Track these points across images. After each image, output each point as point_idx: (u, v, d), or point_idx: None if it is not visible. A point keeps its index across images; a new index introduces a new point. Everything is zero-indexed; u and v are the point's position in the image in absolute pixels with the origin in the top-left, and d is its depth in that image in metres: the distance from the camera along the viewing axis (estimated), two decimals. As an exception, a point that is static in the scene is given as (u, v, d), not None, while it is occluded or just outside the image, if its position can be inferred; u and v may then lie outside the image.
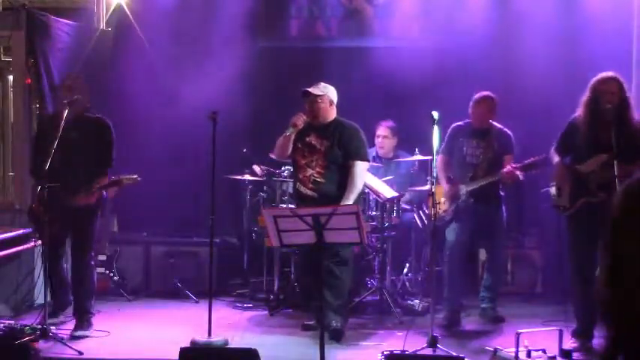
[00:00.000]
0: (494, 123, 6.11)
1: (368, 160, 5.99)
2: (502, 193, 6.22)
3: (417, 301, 6.67)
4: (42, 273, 5.75)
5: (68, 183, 5.63)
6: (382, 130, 7.23)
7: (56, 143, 5.39)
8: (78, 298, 5.91)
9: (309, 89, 5.82)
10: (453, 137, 6.21)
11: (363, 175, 5.90)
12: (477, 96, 6.16)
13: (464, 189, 6.05)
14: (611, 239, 1.39)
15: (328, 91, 5.86)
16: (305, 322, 6.01)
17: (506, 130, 6.14)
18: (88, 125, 5.79)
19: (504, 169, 5.86)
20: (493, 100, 6.17)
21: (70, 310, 6.03)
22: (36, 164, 5.72)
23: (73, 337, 5.61)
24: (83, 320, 5.82)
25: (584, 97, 5.31)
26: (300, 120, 5.75)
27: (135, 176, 5.77)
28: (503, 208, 6.26)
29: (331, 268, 5.64)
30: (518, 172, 5.82)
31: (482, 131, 6.12)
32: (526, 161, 5.80)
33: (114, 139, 5.85)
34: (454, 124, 6.22)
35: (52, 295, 5.95)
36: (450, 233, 6.19)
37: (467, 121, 6.20)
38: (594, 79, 5.27)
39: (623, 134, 5.08)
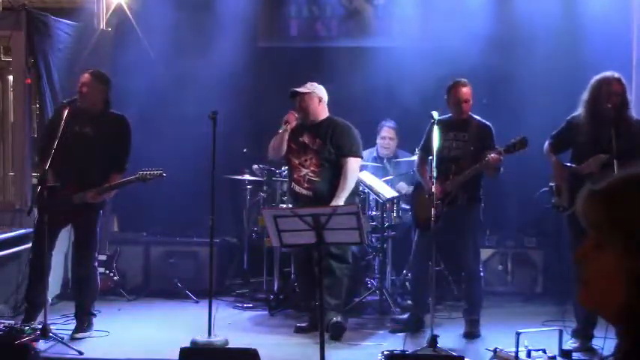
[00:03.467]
0: (474, 115, 5.84)
1: (360, 157, 5.95)
2: (481, 195, 5.82)
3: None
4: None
5: (77, 179, 5.64)
6: (387, 132, 7.20)
7: (68, 139, 5.43)
8: (81, 299, 5.87)
9: (296, 88, 5.86)
10: (430, 134, 5.76)
11: (356, 172, 5.88)
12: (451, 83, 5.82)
13: (449, 186, 5.64)
14: None
15: (315, 89, 5.86)
16: (298, 325, 6.00)
17: (486, 122, 5.82)
18: (105, 122, 5.76)
19: (491, 155, 5.48)
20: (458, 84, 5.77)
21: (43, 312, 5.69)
22: (41, 154, 5.70)
23: (74, 339, 5.59)
24: (84, 322, 5.78)
25: (585, 95, 5.30)
26: (292, 117, 5.79)
27: (159, 171, 5.73)
28: (479, 210, 5.81)
29: (330, 266, 5.65)
30: (501, 157, 5.48)
31: (460, 123, 5.79)
32: (508, 143, 5.49)
33: (131, 140, 5.82)
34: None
35: (29, 295, 5.75)
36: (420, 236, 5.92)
37: (446, 115, 5.81)
38: (597, 79, 5.25)
39: (622, 134, 5.08)
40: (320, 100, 5.87)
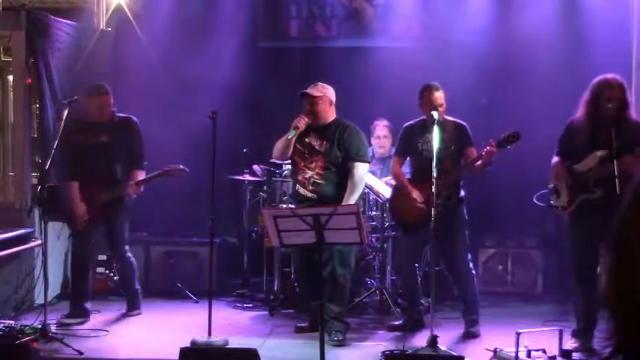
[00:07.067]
0: (448, 117, 5.82)
1: (368, 162, 5.92)
2: (463, 193, 5.84)
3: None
4: (41, 272, 5.78)
5: (103, 182, 6.16)
6: (382, 130, 7.17)
7: (89, 150, 6.12)
8: (124, 285, 6.62)
9: (308, 90, 5.76)
10: (405, 138, 5.94)
11: (364, 177, 5.85)
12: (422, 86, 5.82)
13: (442, 186, 5.55)
14: (618, 237, 1.36)
15: (327, 92, 5.79)
16: (298, 325, 6.01)
17: (461, 122, 5.86)
18: (116, 127, 6.26)
19: (485, 150, 5.47)
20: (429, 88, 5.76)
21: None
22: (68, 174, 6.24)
23: (129, 316, 6.41)
24: (134, 301, 6.50)
25: (585, 97, 5.31)
26: (302, 122, 5.67)
27: (181, 167, 6.16)
28: (464, 209, 5.85)
29: (334, 273, 5.63)
30: (494, 149, 5.45)
31: (437, 125, 5.68)
32: (501, 136, 5.48)
33: (142, 138, 6.33)
34: (405, 125, 5.96)
35: (73, 290, 6.45)
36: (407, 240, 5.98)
37: (418, 119, 5.89)
38: (598, 80, 5.26)
39: (621, 133, 5.10)
40: (330, 103, 5.80)
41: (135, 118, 6.36)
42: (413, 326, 5.90)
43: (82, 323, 6.10)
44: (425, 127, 5.78)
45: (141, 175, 6.26)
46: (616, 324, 1.27)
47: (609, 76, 5.25)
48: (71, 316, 6.15)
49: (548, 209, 5.64)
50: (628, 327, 1.25)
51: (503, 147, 5.49)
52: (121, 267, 6.53)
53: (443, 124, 5.74)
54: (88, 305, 6.33)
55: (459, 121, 5.88)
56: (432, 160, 5.58)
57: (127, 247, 6.48)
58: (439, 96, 5.75)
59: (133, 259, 6.55)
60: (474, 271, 6.00)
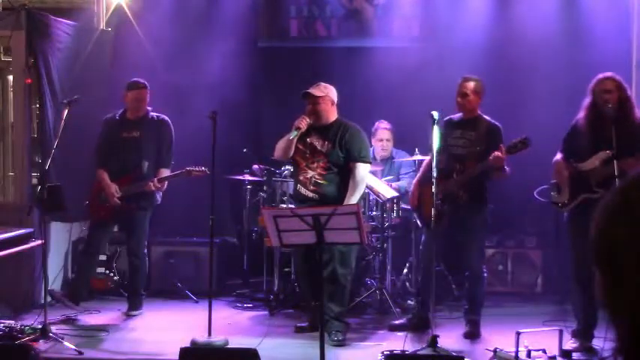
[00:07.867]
0: (484, 115, 5.81)
1: (370, 162, 5.90)
2: (487, 195, 5.81)
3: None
4: (42, 273, 5.80)
5: (129, 175, 6.37)
6: (384, 134, 7.10)
7: (120, 144, 6.36)
8: (133, 283, 6.58)
9: (310, 90, 5.75)
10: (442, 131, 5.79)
11: (365, 177, 5.84)
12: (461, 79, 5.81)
13: (452, 185, 5.61)
14: (605, 247, 1.29)
15: (329, 92, 5.78)
16: (298, 325, 6.00)
17: (495, 123, 5.78)
18: (149, 125, 6.46)
19: (493, 154, 5.42)
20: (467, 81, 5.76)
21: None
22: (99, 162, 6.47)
23: (129, 316, 6.39)
24: (137, 302, 6.49)
25: (586, 100, 5.31)
26: (304, 122, 5.66)
27: (203, 168, 6.19)
28: (487, 211, 5.81)
29: (335, 273, 5.62)
30: (503, 156, 5.42)
31: (469, 123, 5.76)
32: (509, 143, 5.46)
33: (173, 138, 6.51)
34: (445, 118, 5.81)
35: (76, 282, 6.65)
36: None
37: (458, 114, 5.85)
38: (593, 81, 5.28)
39: (623, 133, 5.09)
40: (332, 103, 5.79)
41: (168, 119, 6.53)
42: (419, 325, 5.86)
43: (73, 308, 6.32)
44: (458, 123, 5.74)
45: (165, 174, 6.40)
46: (615, 331, 1.24)
47: (602, 74, 5.26)
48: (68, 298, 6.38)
49: (548, 209, 5.64)
50: (627, 334, 1.23)
51: (512, 153, 5.46)
52: (136, 263, 6.51)
53: (475, 123, 5.75)
54: (83, 297, 6.54)
55: (493, 121, 5.78)
56: (458, 157, 5.64)
57: (145, 244, 6.58)
58: (462, 84, 5.75)
59: (147, 259, 6.62)
60: (485, 274, 5.99)
